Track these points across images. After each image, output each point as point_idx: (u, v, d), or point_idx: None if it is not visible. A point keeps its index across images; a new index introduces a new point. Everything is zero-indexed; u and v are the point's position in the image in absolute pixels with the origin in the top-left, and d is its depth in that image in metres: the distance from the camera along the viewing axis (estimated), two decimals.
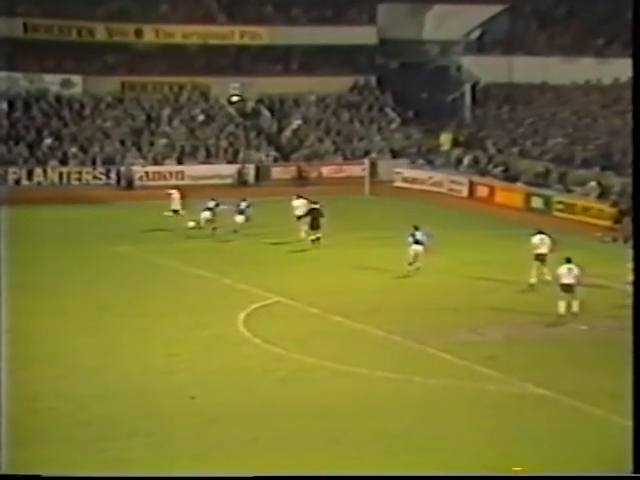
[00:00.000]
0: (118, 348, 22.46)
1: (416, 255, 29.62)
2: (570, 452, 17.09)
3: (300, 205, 34.40)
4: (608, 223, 38.60)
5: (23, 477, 13.74)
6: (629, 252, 27.65)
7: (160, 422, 18.19)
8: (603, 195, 41.51)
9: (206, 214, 35.05)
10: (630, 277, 27.05)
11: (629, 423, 17.84)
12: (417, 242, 29.68)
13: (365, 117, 54.21)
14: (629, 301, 26.26)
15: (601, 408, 18.90)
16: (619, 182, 41.54)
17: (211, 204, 35.31)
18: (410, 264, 29.58)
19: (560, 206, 41.48)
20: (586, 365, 21.88)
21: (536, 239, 28.07)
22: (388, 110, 54.97)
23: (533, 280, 27.78)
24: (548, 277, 27.43)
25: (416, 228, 29.85)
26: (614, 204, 39.66)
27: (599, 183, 42.23)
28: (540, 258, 27.61)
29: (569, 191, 42.80)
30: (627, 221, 38.30)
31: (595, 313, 25.39)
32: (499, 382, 20.43)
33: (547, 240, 28.12)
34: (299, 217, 34.09)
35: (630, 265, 27.19)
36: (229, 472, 15.97)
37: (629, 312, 25.62)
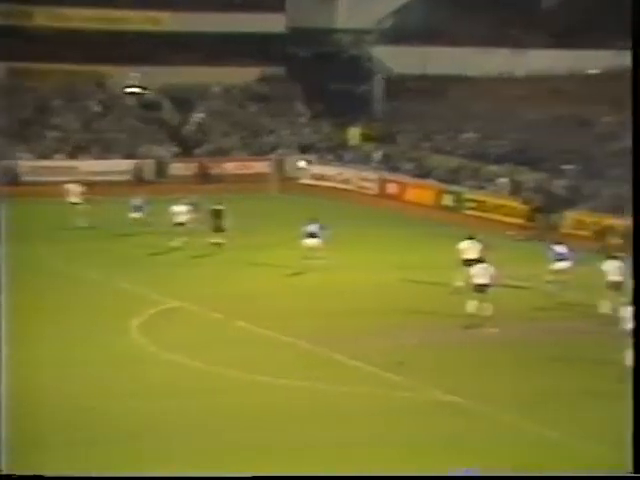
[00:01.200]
0: None
1: (311, 249, 29.94)
2: (479, 459, 17.43)
3: (181, 211, 33.49)
4: (521, 221, 39.41)
5: (23, 477, 14.03)
6: (550, 252, 28.46)
7: None
8: (516, 192, 42.36)
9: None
10: (550, 277, 27.78)
11: (541, 429, 18.41)
12: (312, 235, 30.03)
13: (273, 110, 54.30)
14: (549, 302, 27.11)
15: (511, 414, 19.29)
16: (533, 178, 42.44)
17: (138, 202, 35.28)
18: (306, 258, 29.84)
19: (471, 204, 42.11)
20: (497, 369, 22.26)
21: (464, 244, 28.01)
22: (297, 103, 55.16)
23: (460, 283, 27.89)
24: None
25: (314, 221, 30.18)
26: (527, 201, 40.48)
27: (512, 179, 43.06)
28: (468, 264, 27.28)
29: (482, 188, 43.55)
30: (541, 218, 39.20)
31: (510, 315, 25.78)
32: (407, 389, 20.67)
33: (477, 245, 28.03)
34: (178, 224, 33.19)
35: (554, 265, 27.91)
36: (229, 472, 16.16)
37: (549, 314, 26.48)
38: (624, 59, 53.53)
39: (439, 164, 46.56)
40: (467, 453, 17.58)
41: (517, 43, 52.39)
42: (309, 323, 25.26)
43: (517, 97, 49.79)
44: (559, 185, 41.43)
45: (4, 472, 14.35)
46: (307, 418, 19.22)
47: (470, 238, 28.36)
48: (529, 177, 42.67)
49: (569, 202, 40.14)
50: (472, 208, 41.76)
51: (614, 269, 25.72)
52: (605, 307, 25.53)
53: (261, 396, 20.28)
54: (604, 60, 49.22)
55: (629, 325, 21.26)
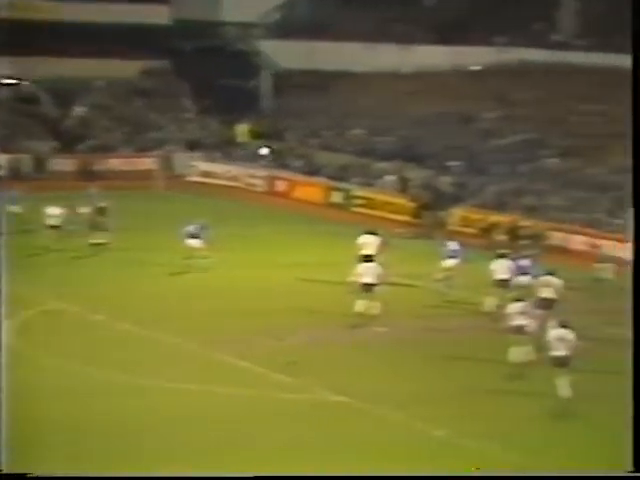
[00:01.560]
0: None
1: (193, 249, 30.02)
2: (370, 459, 17.74)
3: (54, 213, 32.73)
4: (409, 218, 40.02)
5: (23, 477, 14.02)
6: (442, 249, 28.97)
7: None
8: (404, 189, 42.99)
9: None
10: (439, 275, 28.33)
11: (429, 428, 18.85)
12: (193, 236, 30.16)
13: (159, 105, 53.95)
14: (438, 300, 27.64)
15: (400, 413, 19.66)
16: (420, 175, 43.12)
17: None
18: (189, 258, 29.87)
19: (359, 201, 42.58)
20: (386, 369, 22.63)
21: (362, 239, 28.28)
22: (183, 98, 54.91)
23: (361, 280, 28.37)
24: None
25: (195, 222, 30.27)
26: (414, 198, 41.11)
27: (400, 176, 43.69)
28: (366, 259, 27.47)
29: (370, 185, 44.09)
30: (428, 216, 39.88)
31: (399, 314, 26.21)
32: (297, 390, 20.88)
33: (375, 241, 28.33)
34: (51, 226, 32.57)
35: (444, 263, 28.43)
36: (229, 472, 16.18)
37: (437, 312, 27.00)
38: (506, 56, 54.78)
39: (328, 161, 46.93)
40: (357, 453, 17.87)
41: (402, 39, 53.07)
42: (196, 324, 25.20)
43: (404, 93, 50.52)
44: (445, 182, 42.15)
45: (4, 472, 14.43)
46: (195, 421, 19.21)
47: (369, 233, 28.61)
48: (416, 174, 43.31)
49: (455, 199, 40.89)
50: (360, 205, 42.23)
51: (502, 267, 26.40)
52: (491, 305, 26.19)
53: (145, 399, 20.17)
54: (486, 56, 50.33)
55: (515, 322, 21.95)
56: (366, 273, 25.42)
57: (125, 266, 31.26)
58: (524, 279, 25.71)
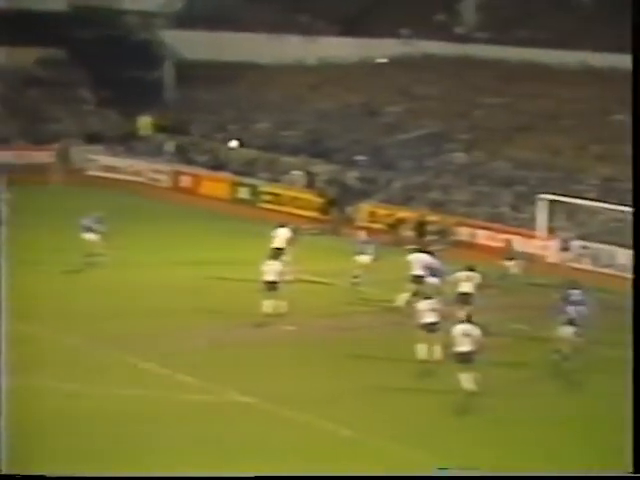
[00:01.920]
0: None
1: (90, 245, 29.77)
2: (276, 460, 17.80)
3: None
4: (316, 214, 40.18)
5: (23, 477, 13.99)
6: (354, 245, 29.04)
7: None
8: (311, 184, 43.08)
9: None
10: (353, 271, 28.45)
11: (336, 427, 18.96)
12: (89, 229, 29.96)
13: (55, 96, 53.12)
14: (348, 297, 27.73)
15: (307, 413, 19.71)
16: (327, 170, 43.28)
17: None
18: (87, 256, 29.62)
19: (266, 197, 42.54)
20: (293, 368, 22.68)
21: (275, 232, 28.43)
22: (82, 89, 54.19)
23: (271, 277, 28.37)
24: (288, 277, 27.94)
25: (92, 215, 30.07)
26: (321, 194, 41.30)
27: (306, 171, 43.79)
28: (277, 252, 27.41)
29: (277, 180, 44.07)
30: (336, 211, 40.10)
31: (308, 312, 26.26)
32: (203, 391, 20.86)
33: (286, 233, 28.47)
34: None
35: (355, 259, 28.57)
36: (229, 472, 16.09)
37: (346, 310, 27.07)
38: (410, 48, 54.95)
39: (234, 156, 46.80)
40: (263, 453, 17.90)
41: (307, 30, 53.13)
42: (97, 324, 24.94)
43: (309, 85, 50.62)
44: (352, 177, 42.38)
45: (4, 472, 14.38)
46: (99, 422, 19.06)
47: (282, 226, 28.65)
48: (323, 169, 43.45)
49: (362, 194, 41.16)
50: (267, 201, 42.19)
51: (416, 262, 26.58)
52: (401, 301, 26.40)
53: (45, 401, 19.96)
54: (391, 49, 50.68)
55: (425, 319, 22.18)
56: (269, 271, 25.45)
57: (17, 264, 30.62)
58: (434, 277, 26.00)
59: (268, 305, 25.28)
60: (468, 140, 42.95)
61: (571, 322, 22.60)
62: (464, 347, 20.17)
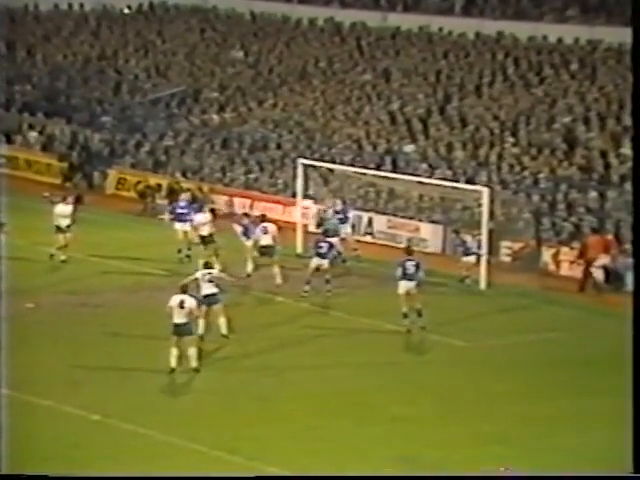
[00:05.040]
0: None
1: None
2: None
3: None
4: (58, 180, 40.90)
5: (23, 477, 14.70)
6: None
7: None
8: (49, 146, 43.04)
9: None
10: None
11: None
12: None
13: None
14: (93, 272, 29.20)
15: (50, 399, 21.09)
16: (68, 131, 43.57)
17: None
18: None
19: (1, 160, 41.69)
20: (36, 348, 23.85)
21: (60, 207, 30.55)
22: None
23: (54, 251, 30.05)
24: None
25: None
26: (63, 157, 41.60)
27: (44, 132, 43.68)
28: (61, 229, 29.89)
29: (11, 143, 43.45)
30: (80, 177, 40.93)
31: (44, 289, 27.91)
32: None
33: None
34: None
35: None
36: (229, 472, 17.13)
37: (92, 284, 28.42)
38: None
39: None
40: None
41: None
42: None
43: (42, 35, 50.78)
44: (97, 139, 42.63)
45: (4, 472, 15.17)
46: None
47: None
48: (65, 130, 43.54)
49: (110, 159, 41.73)
50: (3, 165, 41.57)
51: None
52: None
53: None
54: None
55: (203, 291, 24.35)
56: None
57: None
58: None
59: None
60: (219, 100, 44.07)
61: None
62: (180, 319, 22.77)
